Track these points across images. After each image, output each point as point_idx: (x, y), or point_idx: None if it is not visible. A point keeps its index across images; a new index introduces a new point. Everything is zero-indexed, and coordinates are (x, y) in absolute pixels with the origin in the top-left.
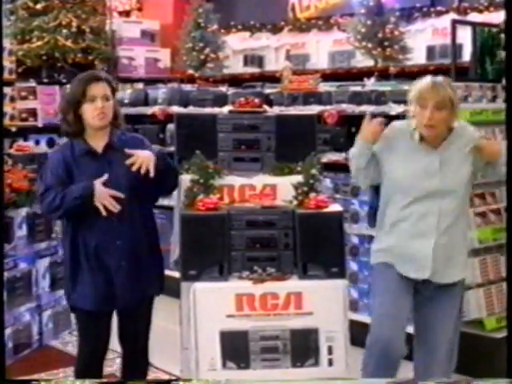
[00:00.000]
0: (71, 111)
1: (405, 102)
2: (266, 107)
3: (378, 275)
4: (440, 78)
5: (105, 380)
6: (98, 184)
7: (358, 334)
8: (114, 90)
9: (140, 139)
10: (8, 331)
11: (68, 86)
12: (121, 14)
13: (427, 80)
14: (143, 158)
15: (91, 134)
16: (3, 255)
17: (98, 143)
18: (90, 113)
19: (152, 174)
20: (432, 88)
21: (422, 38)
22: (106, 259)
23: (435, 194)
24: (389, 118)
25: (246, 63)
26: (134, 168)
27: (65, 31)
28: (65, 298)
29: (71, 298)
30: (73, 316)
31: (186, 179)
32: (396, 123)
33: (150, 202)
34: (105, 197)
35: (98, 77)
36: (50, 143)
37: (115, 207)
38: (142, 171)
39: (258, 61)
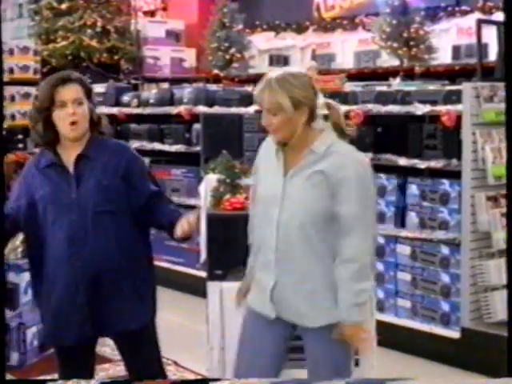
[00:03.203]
0: (40, 120)
1: (430, 102)
2: None
3: None
4: (279, 75)
5: (110, 380)
6: None
7: (384, 334)
8: (89, 92)
9: (125, 147)
10: (34, 330)
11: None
12: (146, 13)
13: (261, 80)
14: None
15: (66, 145)
16: (3, 255)
17: (71, 154)
18: (61, 121)
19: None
20: (261, 92)
21: (447, 38)
22: (65, 284)
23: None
24: (414, 118)
25: (271, 63)
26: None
27: (90, 31)
28: None
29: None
30: None
31: (212, 179)
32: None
33: (137, 224)
34: None
35: (66, 78)
36: None
37: None
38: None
39: (284, 61)
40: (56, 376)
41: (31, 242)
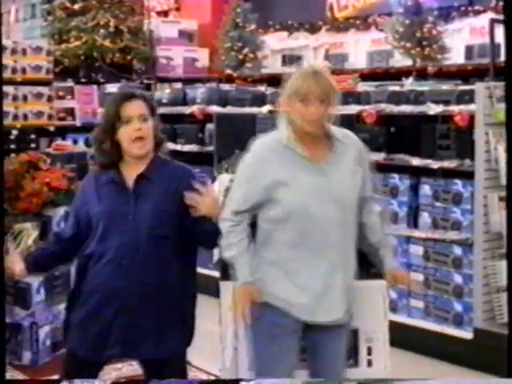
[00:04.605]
0: (108, 138)
1: (443, 102)
2: None
3: None
4: (321, 68)
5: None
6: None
7: (397, 335)
8: (153, 110)
9: (187, 172)
10: (46, 329)
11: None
12: (159, 13)
13: (305, 71)
14: (208, 204)
15: (129, 163)
16: (3, 255)
17: (132, 173)
18: (127, 137)
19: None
20: (312, 80)
21: (459, 38)
22: (105, 301)
23: None
24: (427, 118)
25: (284, 63)
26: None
27: (103, 31)
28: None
29: (66, 339)
30: None
31: (225, 179)
32: (262, 141)
33: (185, 250)
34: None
35: (130, 95)
36: (88, 142)
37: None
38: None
39: (297, 60)
40: None
41: (80, 255)
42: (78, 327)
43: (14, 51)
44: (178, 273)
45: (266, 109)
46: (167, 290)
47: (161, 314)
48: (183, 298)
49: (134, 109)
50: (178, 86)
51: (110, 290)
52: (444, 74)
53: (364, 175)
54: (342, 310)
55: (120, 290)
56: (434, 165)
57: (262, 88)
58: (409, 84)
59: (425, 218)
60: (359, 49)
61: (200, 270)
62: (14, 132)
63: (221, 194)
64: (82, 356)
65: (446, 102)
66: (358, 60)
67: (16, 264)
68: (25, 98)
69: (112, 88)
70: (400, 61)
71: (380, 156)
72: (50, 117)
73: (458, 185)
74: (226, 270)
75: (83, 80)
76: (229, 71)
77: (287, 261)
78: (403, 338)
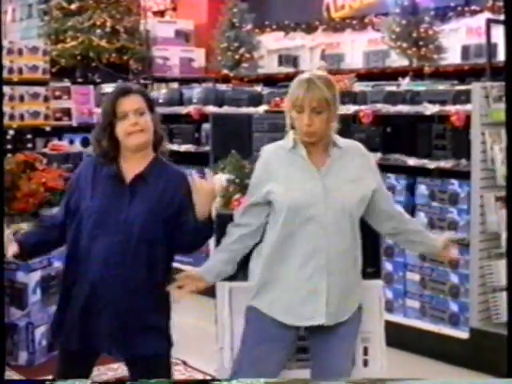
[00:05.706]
0: (106, 135)
1: (440, 102)
2: None
3: None
4: (316, 76)
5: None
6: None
7: (393, 334)
8: (151, 104)
9: (181, 176)
10: (42, 329)
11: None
12: (155, 14)
13: (300, 80)
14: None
15: (128, 159)
16: (3, 254)
17: (131, 170)
18: (123, 132)
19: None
20: (306, 91)
21: (456, 38)
22: (92, 299)
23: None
24: (423, 118)
25: (280, 63)
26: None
27: (99, 31)
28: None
29: (53, 331)
30: None
31: (221, 178)
32: (269, 147)
33: (170, 251)
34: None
35: (126, 90)
36: (85, 142)
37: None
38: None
39: (293, 60)
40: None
41: (68, 253)
42: (67, 323)
43: (10, 51)
44: (164, 273)
45: (262, 109)
46: (154, 290)
47: (147, 312)
48: (167, 299)
49: (130, 104)
50: (175, 85)
51: (97, 288)
52: (440, 74)
53: (377, 186)
54: (326, 314)
55: (107, 289)
56: (431, 165)
57: (258, 88)
58: (405, 84)
59: (421, 217)
60: (356, 49)
61: (196, 269)
62: (11, 132)
63: (217, 194)
64: (71, 348)
65: (443, 102)
66: (355, 60)
67: (9, 246)
68: (21, 98)
69: (108, 88)
70: (396, 61)
71: (376, 156)
72: (46, 117)
73: (455, 185)
74: None
75: (80, 80)
76: (225, 71)
77: (272, 263)
78: (399, 337)
